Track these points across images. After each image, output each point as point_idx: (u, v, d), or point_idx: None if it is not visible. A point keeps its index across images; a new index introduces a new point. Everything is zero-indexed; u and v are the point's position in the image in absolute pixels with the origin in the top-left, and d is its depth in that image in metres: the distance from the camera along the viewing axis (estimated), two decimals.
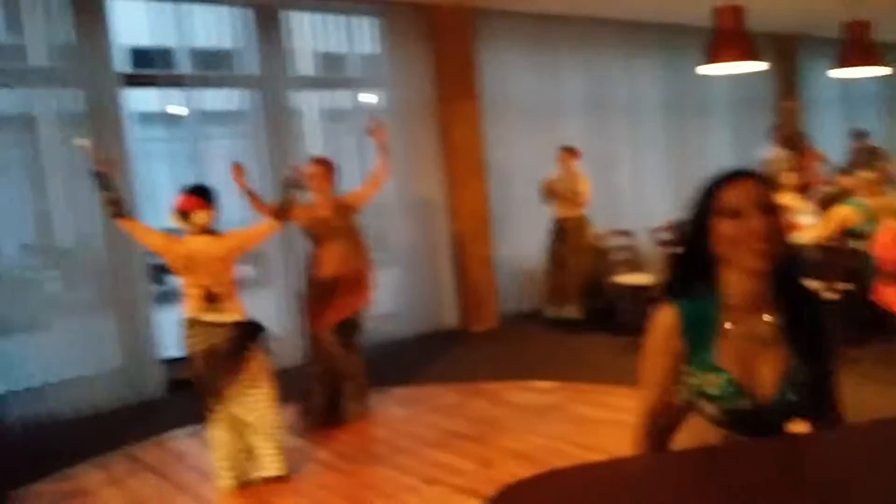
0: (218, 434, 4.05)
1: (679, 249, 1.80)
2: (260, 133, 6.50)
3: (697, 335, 1.69)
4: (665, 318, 1.73)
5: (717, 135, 9.94)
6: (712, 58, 5.89)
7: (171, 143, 6.65)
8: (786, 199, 7.70)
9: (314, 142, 6.96)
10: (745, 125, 10.12)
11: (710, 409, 1.69)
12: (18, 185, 5.46)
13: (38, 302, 5.58)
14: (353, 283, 5.01)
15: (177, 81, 6.13)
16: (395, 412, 5.26)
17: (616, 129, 8.79)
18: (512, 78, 7.83)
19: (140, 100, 6.54)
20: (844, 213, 6.02)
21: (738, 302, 1.68)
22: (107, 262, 5.72)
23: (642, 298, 6.42)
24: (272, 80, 6.49)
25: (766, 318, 1.69)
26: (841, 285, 5.70)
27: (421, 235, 7.41)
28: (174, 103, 6.32)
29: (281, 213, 4.21)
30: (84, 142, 4.16)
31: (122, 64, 6.04)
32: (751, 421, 1.67)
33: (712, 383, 1.67)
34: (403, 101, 7.22)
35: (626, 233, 7.51)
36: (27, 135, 5.48)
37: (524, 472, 3.93)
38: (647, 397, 1.79)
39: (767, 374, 1.67)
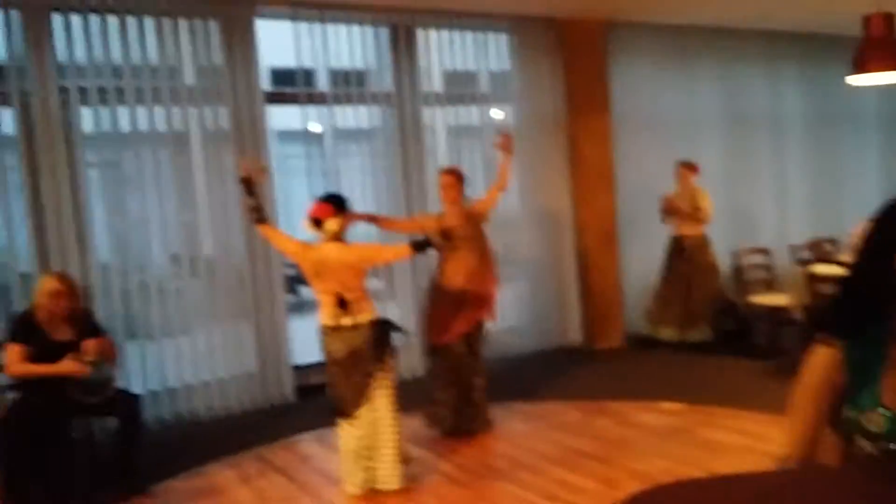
0: (345, 440, 4.15)
1: (847, 281, 1.68)
2: (391, 149, 6.66)
3: (863, 373, 1.59)
4: (828, 356, 1.65)
5: (865, 150, 9.34)
6: (861, 68, 5.56)
7: (308, 160, 6.90)
8: None
9: (443, 157, 7.07)
10: None
11: (867, 447, 1.58)
12: (169, 197, 5.80)
13: (181, 308, 5.90)
14: (479, 294, 5.01)
15: (315, 99, 6.39)
16: (518, 427, 5.20)
17: (755, 143, 8.42)
18: (644, 91, 7.67)
19: (280, 118, 6.87)
20: None
21: None
22: (247, 273, 6.01)
23: (780, 320, 6.09)
24: (405, 97, 6.65)
25: None
26: None
27: (546, 250, 7.35)
28: (311, 121, 6.59)
29: (418, 248, 4.25)
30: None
31: (264, 83, 6.35)
32: None
33: (874, 421, 1.56)
34: (532, 116, 7.21)
35: (763, 251, 7.16)
36: (178, 150, 5.83)
37: None
38: (797, 430, 1.69)
39: None
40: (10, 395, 4.30)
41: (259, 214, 4.20)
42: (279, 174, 6.58)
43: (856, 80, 5.74)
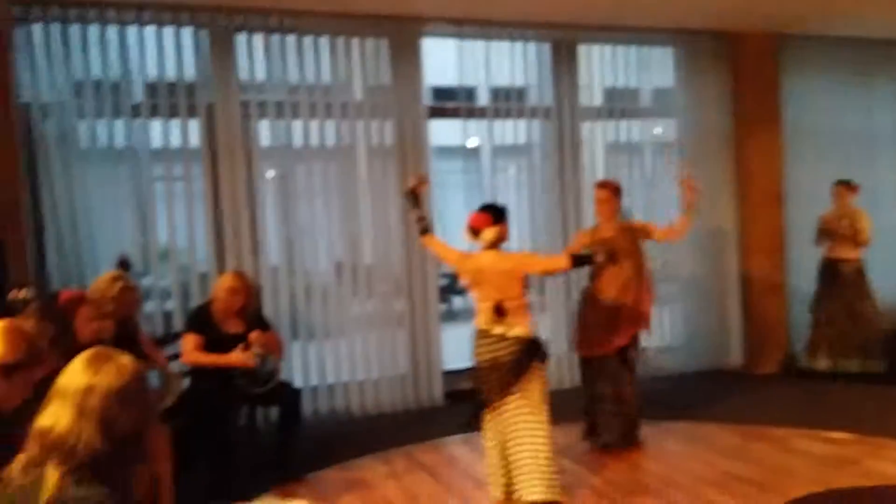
0: (488, 445, 4.17)
1: None
2: (548, 164, 6.69)
3: None
4: None
5: None
6: None
7: (465, 175, 7.05)
8: None
9: (601, 173, 6.99)
10: None
11: None
12: (334, 207, 6.11)
13: (342, 312, 6.17)
14: (634, 308, 4.92)
15: (475, 113, 6.54)
16: (671, 447, 5.02)
17: None
18: (817, 106, 7.27)
19: (439, 134, 7.06)
20: None
21: None
22: (404, 281, 6.22)
23: None
24: (564, 112, 6.66)
25: None
26: None
27: (709, 269, 7.10)
28: (470, 137, 6.73)
29: (578, 262, 4.32)
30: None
31: (426, 101, 6.55)
32: None
33: None
34: (696, 131, 7.02)
35: None
36: (345, 163, 6.13)
37: None
38: None
39: None
40: (185, 382, 4.65)
41: (424, 224, 4.33)
42: (437, 188, 6.76)
43: None
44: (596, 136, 6.91)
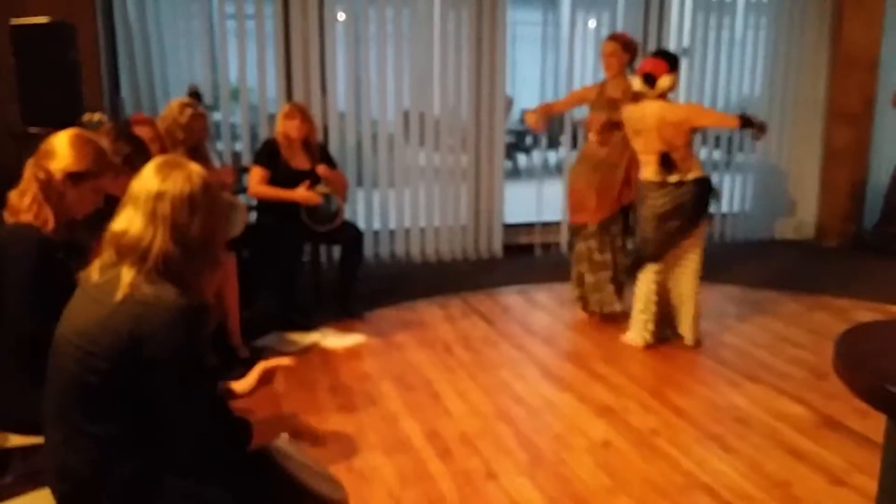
0: (646, 290, 4.25)
1: None
2: (630, 21, 6.42)
3: None
4: None
5: None
6: None
7: (544, 27, 6.79)
8: None
9: (687, 33, 6.68)
10: None
11: None
12: (405, 55, 5.98)
13: (407, 161, 6.18)
14: (623, 177, 4.56)
15: None
16: (728, 309, 5.02)
17: None
18: None
19: None
20: None
21: None
22: (471, 135, 6.16)
23: None
24: None
25: None
26: None
27: (790, 137, 6.86)
28: None
29: (745, 123, 4.05)
30: None
31: None
32: None
33: None
34: None
35: None
36: (418, 9, 5.93)
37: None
38: None
39: None
40: (251, 215, 4.78)
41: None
42: (513, 41, 6.51)
43: None
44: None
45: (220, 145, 5.79)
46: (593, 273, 4.68)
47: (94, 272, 1.69)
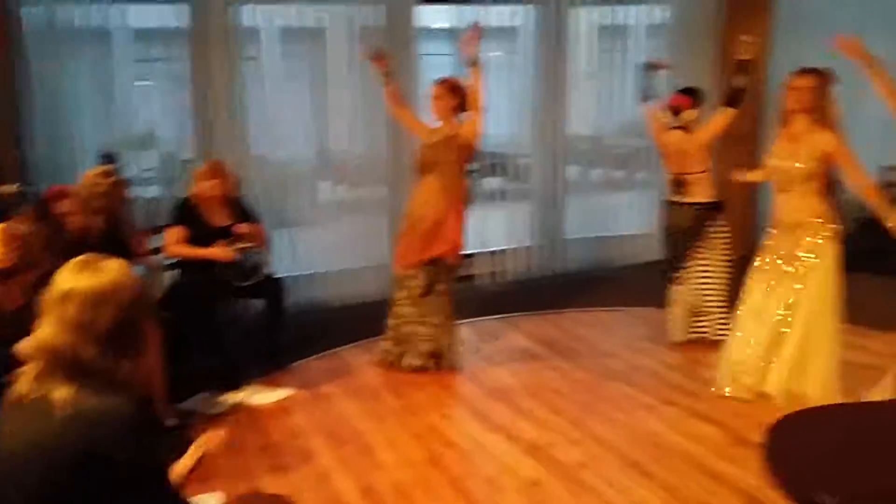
0: (675, 294, 4.91)
1: None
2: (534, 49, 6.62)
3: None
4: None
5: None
6: None
7: (453, 57, 6.96)
8: None
9: (587, 60, 6.96)
10: None
11: None
12: (316, 93, 6.03)
13: (324, 201, 6.21)
14: (439, 226, 4.50)
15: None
16: (639, 331, 5.27)
17: None
18: None
19: (425, 16, 6.91)
20: None
21: None
22: (387, 169, 6.17)
23: None
24: None
25: None
26: None
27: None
28: (458, 17, 6.57)
29: (733, 100, 4.49)
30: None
31: None
32: None
33: None
34: (687, 17, 6.91)
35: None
36: (318, 45, 6.01)
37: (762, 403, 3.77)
38: None
39: None
40: (170, 275, 4.74)
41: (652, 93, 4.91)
42: (425, 70, 6.59)
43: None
44: (587, 22, 6.82)
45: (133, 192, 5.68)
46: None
47: (24, 385, 1.67)
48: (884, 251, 6.32)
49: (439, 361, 4.66)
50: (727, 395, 4.15)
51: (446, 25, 6.85)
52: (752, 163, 6.94)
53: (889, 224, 3.67)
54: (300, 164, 6.10)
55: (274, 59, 5.90)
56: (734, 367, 4.16)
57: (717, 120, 4.60)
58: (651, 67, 4.94)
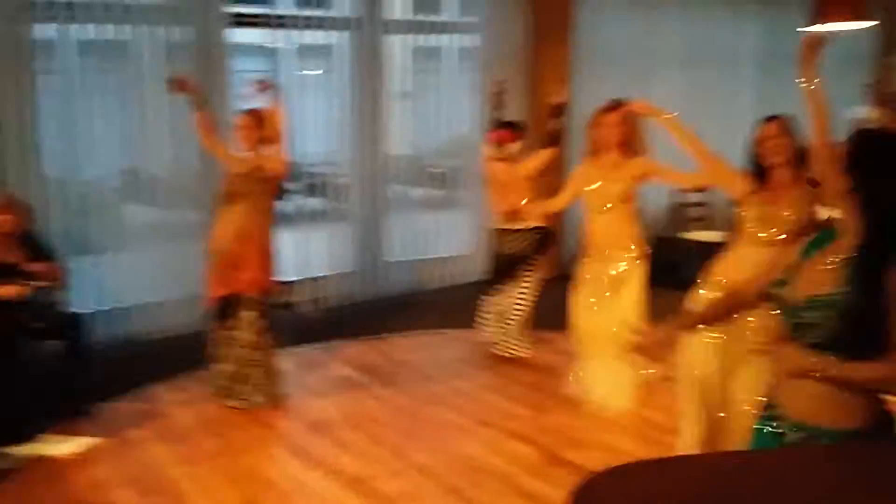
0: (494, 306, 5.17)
1: None
2: (349, 69, 6.61)
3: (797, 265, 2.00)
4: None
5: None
6: (820, 17, 5.59)
7: (269, 75, 6.80)
8: None
9: (402, 81, 7.05)
10: (845, 81, 9.57)
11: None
12: (123, 111, 5.69)
13: (131, 226, 5.85)
14: (242, 260, 4.36)
15: (278, 23, 6.32)
16: (455, 354, 5.38)
17: (714, 82, 8.46)
18: (608, 26, 7.59)
19: (241, 33, 6.74)
20: None
21: None
22: (199, 194, 5.86)
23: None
24: (367, 23, 6.54)
25: None
26: None
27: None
28: (272, 37, 6.51)
29: (552, 141, 4.91)
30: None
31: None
32: None
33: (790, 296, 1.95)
34: (498, 47, 7.12)
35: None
36: (130, 63, 5.67)
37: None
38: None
39: None
40: None
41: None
42: (238, 88, 6.39)
43: (814, 29, 5.82)
44: (401, 46, 6.92)
45: None
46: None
47: None
48: (676, 266, 6.93)
49: (260, 397, 4.49)
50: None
51: (260, 42, 6.71)
52: (553, 191, 7.40)
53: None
54: (104, 185, 5.74)
55: (73, 74, 5.52)
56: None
57: (539, 157, 4.95)
58: (495, 95, 5.19)
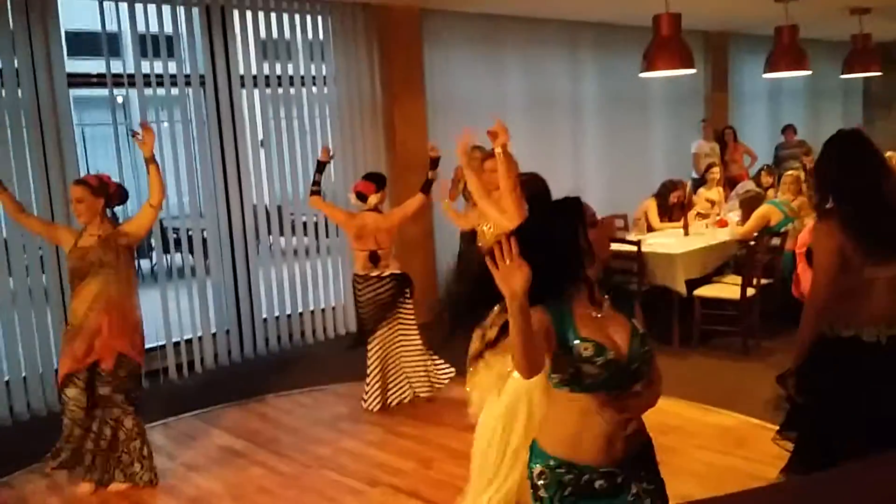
0: (371, 361, 5.21)
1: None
2: (203, 121, 6.56)
3: (561, 322, 2.20)
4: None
5: (654, 129, 10.27)
6: (651, 64, 6.16)
7: (114, 127, 6.57)
8: (712, 194, 8.07)
9: (259, 131, 6.99)
10: (680, 119, 10.44)
11: (591, 369, 2.12)
12: None
13: None
14: (94, 336, 4.18)
15: (122, 81, 6.17)
16: (337, 410, 5.38)
17: (558, 125, 9.00)
18: (457, 76, 7.96)
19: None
20: (765, 211, 6.45)
21: None
22: (46, 254, 5.64)
23: None
24: (217, 78, 6.52)
25: None
26: (761, 281, 6.09)
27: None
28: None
29: (427, 189, 5.24)
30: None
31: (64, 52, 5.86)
32: None
33: (586, 349, 2.14)
34: (349, 100, 7.28)
35: None
36: None
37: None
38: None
39: None
40: None
41: (318, 188, 5.25)
42: (85, 141, 6.15)
43: (647, 74, 6.36)
44: (253, 98, 6.88)
45: None
46: None
47: None
48: None
49: (130, 478, 4.29)
50: None
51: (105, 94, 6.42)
52: (429, 233, 7.55)
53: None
54: None
55: None
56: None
57: (411, 203, 5.25)
58: (320, 164, 5.33)
